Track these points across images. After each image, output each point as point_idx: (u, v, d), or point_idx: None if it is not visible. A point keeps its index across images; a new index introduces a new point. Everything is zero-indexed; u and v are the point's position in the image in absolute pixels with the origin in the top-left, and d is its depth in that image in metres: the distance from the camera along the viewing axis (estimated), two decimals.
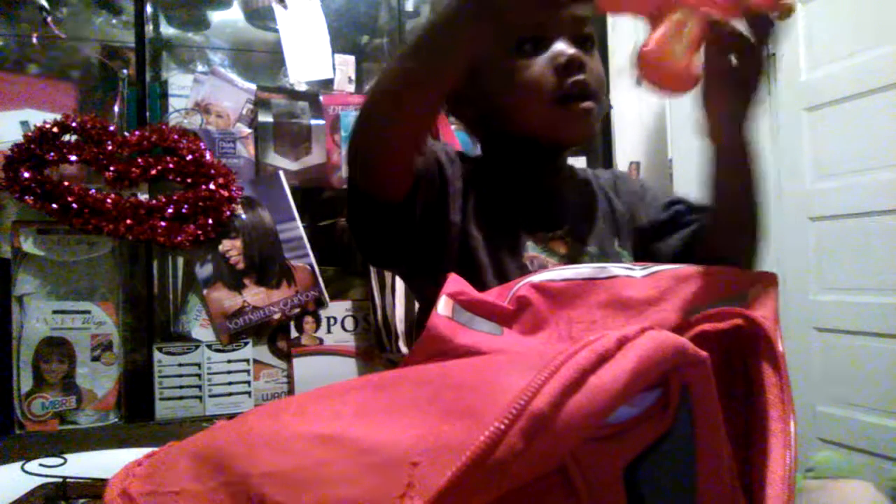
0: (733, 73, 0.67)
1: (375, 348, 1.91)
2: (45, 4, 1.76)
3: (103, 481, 0.38)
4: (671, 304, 0.53)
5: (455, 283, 0.64)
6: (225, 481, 0.32)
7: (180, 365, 1.78)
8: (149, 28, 1.91)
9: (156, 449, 0.38)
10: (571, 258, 0.83)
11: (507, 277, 0.78)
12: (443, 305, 0.60)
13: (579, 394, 0.29)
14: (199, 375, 1.79)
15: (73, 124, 1.70)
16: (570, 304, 0.59)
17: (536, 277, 0.63)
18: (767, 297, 0.49)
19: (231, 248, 1.86)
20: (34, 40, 1.79)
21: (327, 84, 2.06)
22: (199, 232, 1.79)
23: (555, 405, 0.28)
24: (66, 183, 1.70)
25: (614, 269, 0.62)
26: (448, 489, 0.25)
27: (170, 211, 1.76)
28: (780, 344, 0.44)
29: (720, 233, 0.78)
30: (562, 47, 0.79)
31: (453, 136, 1.93)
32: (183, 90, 1.93)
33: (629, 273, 0.60)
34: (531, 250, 0.82)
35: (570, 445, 0.30)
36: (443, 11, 0.65)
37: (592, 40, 0.85)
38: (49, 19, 1.77)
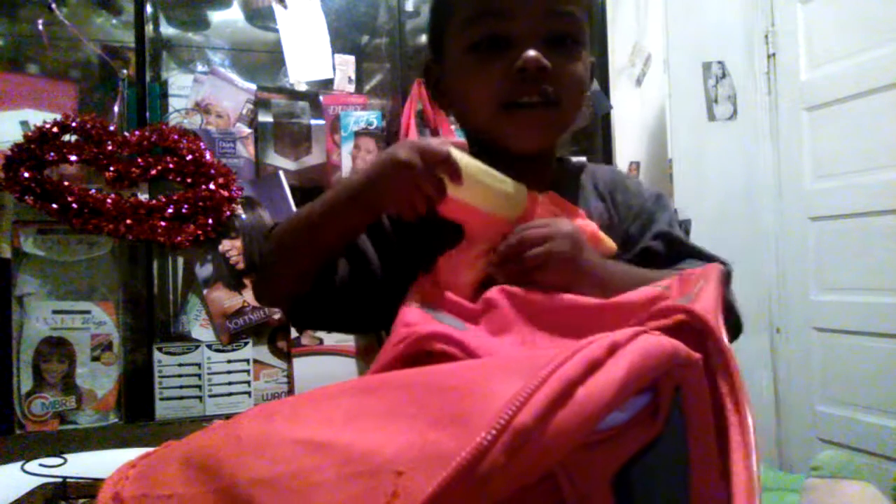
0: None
1: (375, 348, 1.91)
2: None
3: (103, 481, 0.38)
4: (637, 321, 0.53)
5: (423, 280, 0.66)
6: (215, 486, 0.33)
7: (180, 365, 1.79)
8: (149, 28, 1.91)
9: (150, 451, 0.38)
10: None
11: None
12: (412, 300, 0.61)
13: (567, 408, 0.29)
14: (199, 375, 1.80)
15: (73, 124, 1.71)
16: (535, 311, 0.59)
17: (506, 285, 0.64)
18: (708, 289, 0.49)
19: (231, 248, 1.86)
20: (40, 26, 1.78)
21: (327, 84, 2.06)
22: (199, 232, 1.79)
23: (540, 419, 0.28)
24: (66, 183, 1.70)
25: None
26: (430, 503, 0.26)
27: (170, 211, 1.76)
28: (724, 335, 0.44)
29: None
30: (524, 51, 0.73)
31: (452, 134, 1.93)
32: (183, 90, 1.93)
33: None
34: None
35: (556, 459, 0.30)
36: (326, 196, 0.74)
37: (574, 38, 0.77)
38: (53, 5, 1.77)
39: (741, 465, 0.38)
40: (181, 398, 1.78)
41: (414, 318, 0.55)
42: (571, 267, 0.67)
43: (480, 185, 0.69)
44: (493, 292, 0.62)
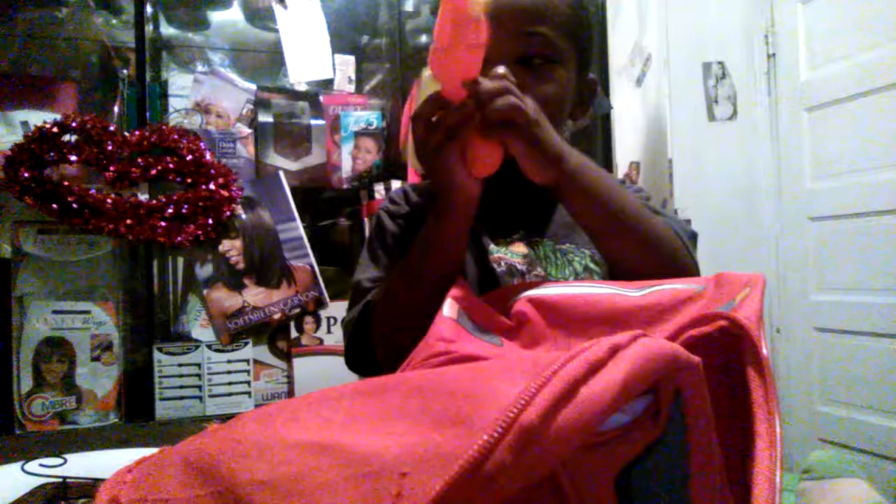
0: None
1: None
2: None
3: (103, 482, 0.38)
4: (671, 324, 0.53)
5: (460, 287, 0.65)
6: (215, 489, 0.32)
7: (180, 365, 1.79)
8: (149, 28, 1.91)
9: (147, 455, 0.38)
10: (535, 257, 0.83)
11: (479, 281, 0.80)
12: (448, 308, 0.60)
13: (570, 406, 0.29)
14: (199, 375, 1.80)
15: (73, 124, 1.71)
16: (567, 320, 0.59)
17: (532, 292, 0.63)
18: (752, 298, 0.49)
19: (231, 248, 1.86)
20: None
21: (327, 84, 2.06)
22: (199, 232, 1.79)
23: (544, 418, 0.28)
24: (66, 183, 1.70)
25: (608, 289, 0.62)
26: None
27: (170, 211, 1.76)
28: (764, 345, 0.44)
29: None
30: (494, 69, 0.73)
31: None
32: (183, 90, 1.93)
33: (624, 293, 0.60)
34: (495, 253, 0.83)
35: (560, 458, 0.30)
36: (426, 223, 0.75)
37: (545, 57, 0.80)
38: None
39: (764, 477, 0.38)
40: (181, 398, 1.78)
41: (450, 334, 0.55)
42: (534, 132, 0.68)
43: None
44: (522, 304, 0.62)
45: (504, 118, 0.66)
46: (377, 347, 0.81)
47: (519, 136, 0.68)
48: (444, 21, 0.65)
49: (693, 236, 0.84)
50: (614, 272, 0.77)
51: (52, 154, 1.69)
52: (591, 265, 0.83)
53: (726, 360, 0.47)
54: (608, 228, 0.74)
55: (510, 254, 0.83)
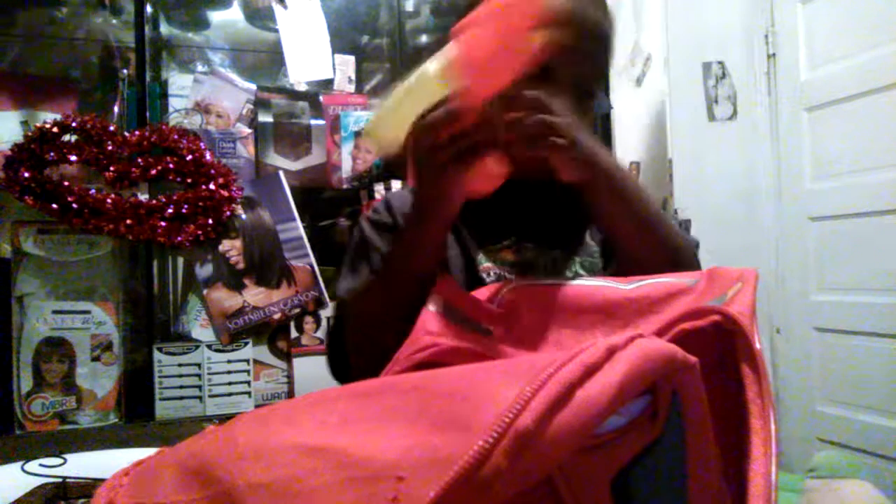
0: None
1: None
2: None
3: (103, 482, 0.38)
4: (661, 316, 0.53)
5: (445, 282, 0.65)
6: (211, 492, 0.32)
7: (180, 365, 1.79)
8: (149, 28, 1.91)
9: (143, 458, 0.38)
10: (526, 265, 0.83)
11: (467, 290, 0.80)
12: (433, 302, 0.60)
13: (566, 409, 0.29)
14: (199, 375, 1.80)
15: (73, 124, 1.71)
16: (557, 309, 0.59)
17: (523, 283, 0.63)
18: (744, 293, 0.49)
19: (231, 248, 1.86)
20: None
21: (327, 84, 2.06)
22: (199, 232, 1.79)
23: (540, 422, 0.28)
24: (66, 183, 1.70)
25: (599, 282, 0.62)
26: None
27: (170, 211, 1.76)
28: (757, 340, 0.44)
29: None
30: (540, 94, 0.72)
31: None
32: (183, 90, 1.93)
33: (615, 286, 0.60)
34: (484, 262, 0.83)
35: (556, 462, 0.30)
36: (405, 225, 0.76)
37: (564, 76, 0.79)
38: None
39: (760, 474, 0.37)
40: (181, 398, 1.78)
41: (436, 327, 0.55)
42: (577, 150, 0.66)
43: (415, 102, 0.67)
44: (513, 294, 0.62)
45: (536, 135, 0.65)
46: (350, 355, 0.81)
47: (553, 147, 0.66)
48: (490, 37, 0.62)
49: (696, 245, 0.85)
50: (626, 269, 0.77)
51: (52, 154, 1.69)
52: (581, 273, 0.82)
53: (720, 355, 0.47)
54: (635, 226, 0.74)
55: (499, 262, 0.83)
